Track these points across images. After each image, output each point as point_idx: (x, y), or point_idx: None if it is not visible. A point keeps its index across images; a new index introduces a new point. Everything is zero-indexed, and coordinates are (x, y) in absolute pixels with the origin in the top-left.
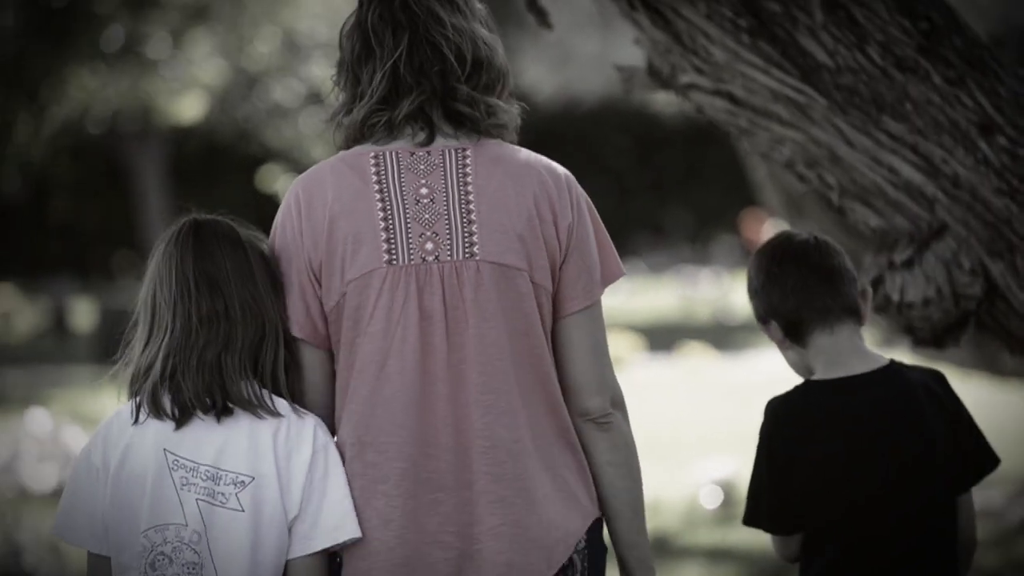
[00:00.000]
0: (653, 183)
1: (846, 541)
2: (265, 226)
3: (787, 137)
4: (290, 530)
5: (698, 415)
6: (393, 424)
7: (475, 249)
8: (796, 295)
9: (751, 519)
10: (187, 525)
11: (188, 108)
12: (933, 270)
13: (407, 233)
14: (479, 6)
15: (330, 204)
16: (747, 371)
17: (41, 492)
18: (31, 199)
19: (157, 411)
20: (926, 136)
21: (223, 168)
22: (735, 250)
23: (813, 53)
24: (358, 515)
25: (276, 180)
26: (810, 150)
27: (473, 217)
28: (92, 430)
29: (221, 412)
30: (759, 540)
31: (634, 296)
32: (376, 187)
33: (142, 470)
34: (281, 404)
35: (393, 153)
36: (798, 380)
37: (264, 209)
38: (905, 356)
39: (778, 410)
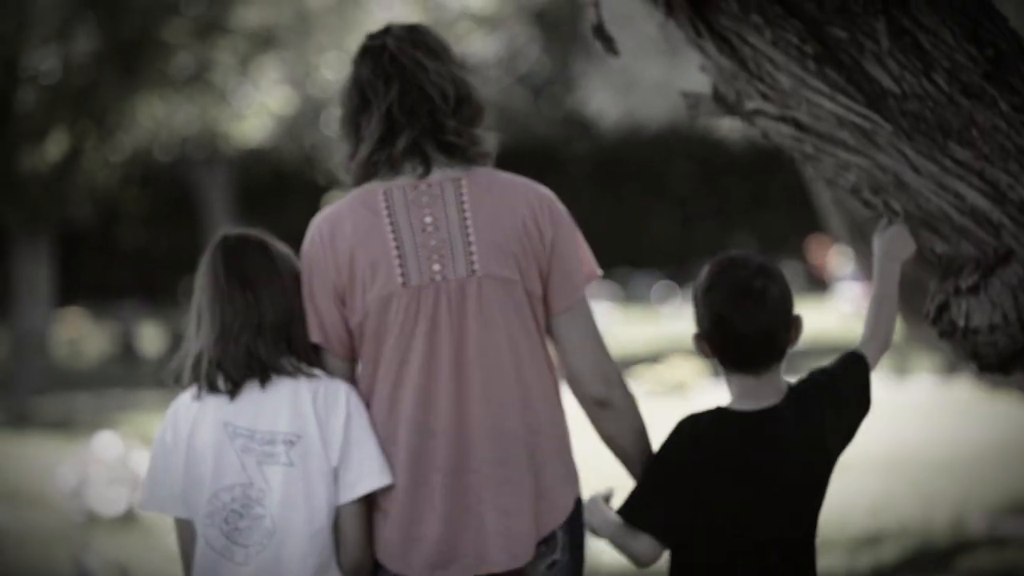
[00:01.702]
0: (717, 209)
1: (714, 553)
2: None
3: (853, 163)
4: (336, 480)
5: None
6: (405, 421)
7: (475, 267)
8: (731, 351)
9: (630, 513)
10: (252, 484)
11: (251, 130)
12: (999, 296)
13: (417, 258)
14: (454, 52)
15: (349, 237)
16: None
17: (110, 516)
18: (100, 225)
19: (213, 388)
20: (992, 162)
21: (290, 194)
22: (799, 275)
23: (879, 79)
24: (379, 493)
25: None
26: (876, 176)
27: (471, 239)
28: None
29: (263, 380)
30: (822, 564)
31: None
32: (387, 220)
33: (207, 442)
34: (315, 370)
35: (400, 188)
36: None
37: None
38: (969, 382)
39: (685, 428)
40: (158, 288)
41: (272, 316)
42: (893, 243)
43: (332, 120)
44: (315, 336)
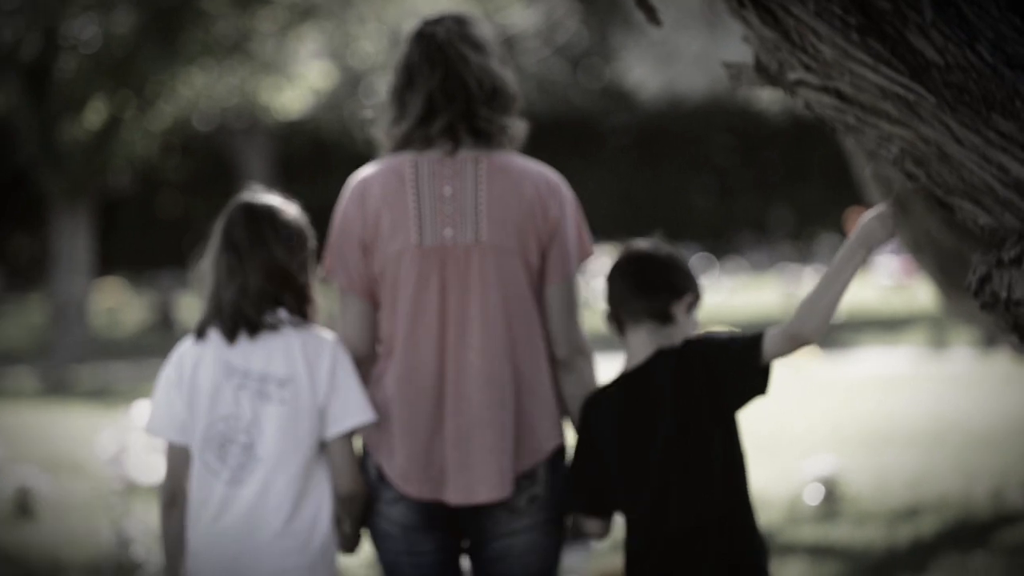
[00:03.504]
0: (756, 181)
1: (632, 514)
2: None
3: (895, 135)
4: (323, 417)
5: (801, 413)
6: (421, 360)
7: (481, 235)
8: (614, 302)
9: (569, 503)
10: (244, 417)
11: (291, 101)
12: None
13: (433, 222)
14: (496, 47)
15: (377, 199)
16: (850, 369)
17: (148, 484)
18: (139, 195)
19: (208, 334)
20: None
21: (329, 164)
22: (838, 248)
23: (922, 51)
24: (393, 424)
25: None
26: (918, 148)
27: (482, 211)
28: None
29: (252, 332)
30: (861, 537)
31: (737, 294)
32: (412, 187)
33: (207, 378)
34: (304, 323)
35: (428, 161)
36: (895, 375)
37: None
38: (1009, 354)
39: (585, 402)
40: (196, 258)
41: (254, 280)
42: (875, 232)
43: (371, 91)
44: (341, 279)
